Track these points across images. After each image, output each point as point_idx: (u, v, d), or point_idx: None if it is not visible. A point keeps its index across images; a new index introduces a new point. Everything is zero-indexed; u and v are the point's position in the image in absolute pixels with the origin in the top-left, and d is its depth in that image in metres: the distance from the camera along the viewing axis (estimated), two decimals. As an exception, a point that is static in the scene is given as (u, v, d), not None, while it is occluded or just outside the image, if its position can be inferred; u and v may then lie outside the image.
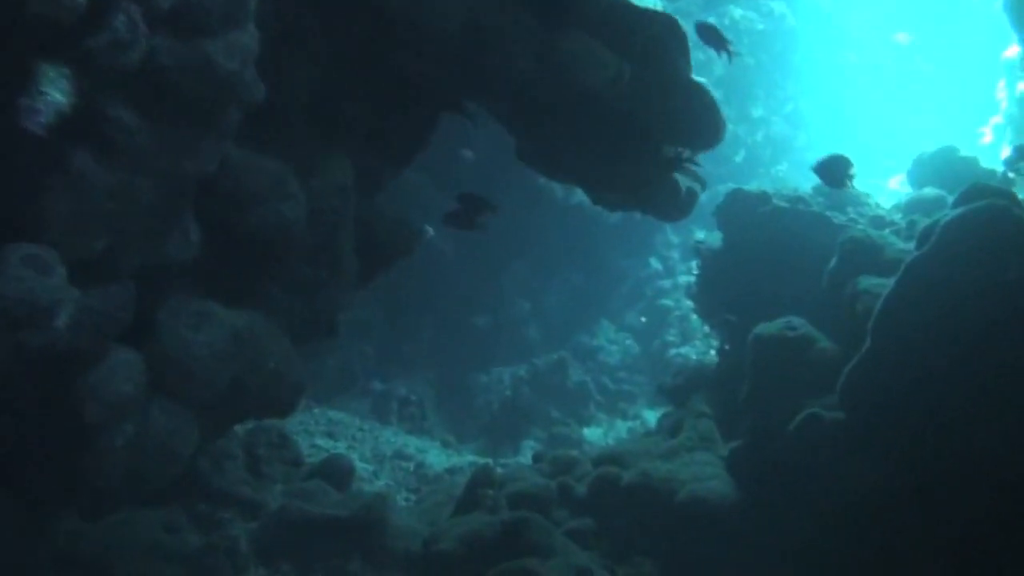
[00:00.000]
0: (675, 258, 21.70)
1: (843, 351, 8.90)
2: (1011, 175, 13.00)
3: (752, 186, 12.82)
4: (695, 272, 13.58)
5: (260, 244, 7.03)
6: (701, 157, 9.74)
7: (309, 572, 9.34)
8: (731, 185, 13.15)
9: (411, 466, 13.66)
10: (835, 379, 8.50)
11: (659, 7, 8.89)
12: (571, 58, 7.58)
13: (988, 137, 20.42)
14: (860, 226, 10.85)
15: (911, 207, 12.44)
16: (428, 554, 9.10)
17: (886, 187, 21.79)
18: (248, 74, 6.13)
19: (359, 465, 12.84)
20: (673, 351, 19.17)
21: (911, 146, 18.49)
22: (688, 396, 11.40)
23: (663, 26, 8.34)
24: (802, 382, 9.06)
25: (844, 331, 9.13)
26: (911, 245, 9.16)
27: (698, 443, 10.13)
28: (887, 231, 10.66)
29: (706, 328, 17.01)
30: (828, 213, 11.44)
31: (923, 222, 9.26)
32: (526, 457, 14.18)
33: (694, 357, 18.11)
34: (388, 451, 14.02)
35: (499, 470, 11.64)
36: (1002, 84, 19.68)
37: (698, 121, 8.54)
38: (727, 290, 12.08)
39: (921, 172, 14.62)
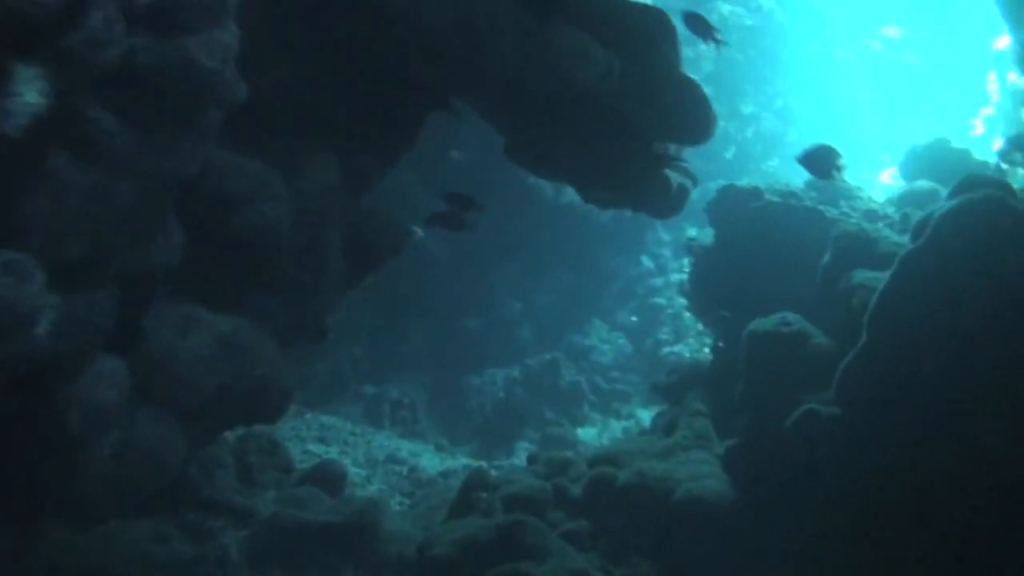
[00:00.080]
0: (667, 256, 21.65)
1: (839, 346, 8.82)
2: (1004, 166, 12.96)
3: (743, 182, 12.75)
4: (687, 269, 13.51)
5: (245, 247, 6.91)
6: (691, 153, 9.66)
7: (302, 580, 9.23)
8: (722, 182, 13.06)
9: (404, 470, 13.58)
10: (831, 375, 8.42)
11: (648, 1, 8.72)
12: (560, 53, 7.47)
13: (979, 129, 20.43)
14: (853, 220, 10.77)
15: (904, 200, 12.40)
16: (422, 559, 8.98)
17: (877, 181, 21.79)
18: (229, 73, 5.99)
19: (352, 470, 12.76)
20: (666, 349, 19.13)
21: (902, 140, 18.47)
22: (683, 394, 11.32)
23: (653, 20, 8.24)
24: (798, 378, 8.97)
25: (839, 326, 9.05)
26: (905, 238, 9.09)
27: (694, 441, 10.05)
28: (881, 224, 10.61)
29: (699, 326, 16.99)
30: (821, 207, 11.38)
31: (917, 215, 9.21)
32: (520, 459, 14.11)
33: (687, 355, 18.08)
34: (381, 455, 13.94)
35: (493, 472, 11.55)
36: (993, 76, 19.67)
37: (689, 116, 8.44)
38: (720, 287, 12.00)
39: (914, 165, 14.58)
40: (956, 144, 14.71)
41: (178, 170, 6.04)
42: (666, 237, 21.76)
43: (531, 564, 8.46)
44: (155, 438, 6.65)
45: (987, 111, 20.09)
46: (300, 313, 7.80)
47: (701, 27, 8.45)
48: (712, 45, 8.53)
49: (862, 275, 9.13)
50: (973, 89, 23.70)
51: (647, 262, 21.33)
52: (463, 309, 17.76)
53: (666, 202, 9.35)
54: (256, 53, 6.50)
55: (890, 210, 11.92)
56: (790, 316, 9.39)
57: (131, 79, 5.47)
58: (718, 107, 8.95)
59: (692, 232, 14.87)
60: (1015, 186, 8.84)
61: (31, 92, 5.01)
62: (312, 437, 13.95)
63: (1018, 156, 12.67)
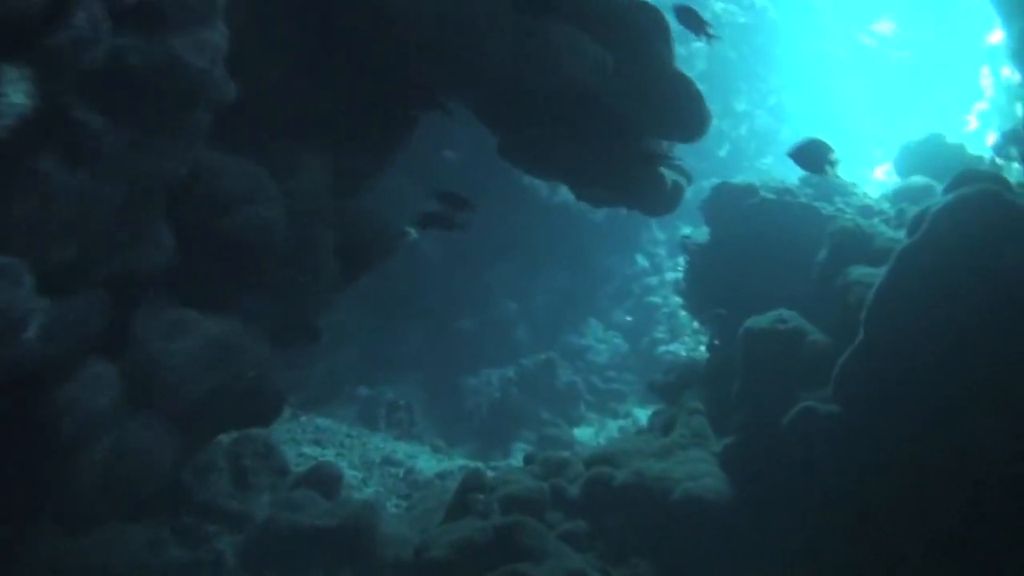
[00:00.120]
0: (662, 255, 21.66)
1: (836, 343, 8.79)
2: (999, 161, 12.92)
3: (738, 180, 12.70)
4: (683, 268, 13.46)
5: (236, 248, 6.82)
6: (684, 151, 9.60)
7: (298, 583, 9.17)
8: (716, 180, 13.01)
9: (401, 472, 13.53)
10: (828, 372, 8.40)
11: (640, -2, 8.65)
12: (552, 48, 7.40)
13: (973, 124, 20.41)
14: (848, 216, 10.73)
15: (899, 196, 12.37)
16: (419, 562, 8.93)
17: (871, 178, 21.77)
18: (218, 72, 5.92)
19: (348, 472, 12.71)
20: (662, 348, 19.14)
21: (896, 136, 18.46)
22: (679, 393, 11.29)
23: (646, 17, 8.19)
24: (795, 376, 8.95)
25: (836, 323, 9.04)
26: (901, 234, 9.07)
27: (691, 440, 10.01)
28: (876, 220, 10.57)
29: (695, 324, 16.96)
30: (816, 204, 11.33)
31: (913, 210, 9.17)
32: (517, 459, 14.05)
33: (684, 353, 18.08)
34: (377, 457, 13.89)
35: (490, 473, 11.50)
36: (986, 70, 19.66)
37: (683, 112, 8.39)
38: (715, 285, 11.97)
39: (908, 161, 14.57)
40: (950, 140, 14.68)
41: (167, 171, 5.96)
42: (661, 236, 21.77)
43: (529, 565, 8.41)
44: (147, 443, 6.55)
45: (981, 106, 20.08)
46: (293, 314, 7.72)
47: (693, 21, 8.39)
48: (704, 40, 8.46)
49: (858, 271, 9.10)
50: (966, 84, 23.72)
51: (642, 261, 21.33)
52: (458, 310, 17.72)
53: (660, 200, 9.29)
54: (246, 52, 6.42)
55: (885, 206, 11.88)
56: (786, 313, 9.36)
57: (118, 79, 5.38)
58: (711, 105, 8.89)
59: (687, 230, 14.81)
60: (1010, 181, 8.80)
61: (16, 93, 4.93)
62: (307, 440, 13.90)
63: (1013, 150, 12.64)
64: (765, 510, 8.72)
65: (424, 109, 8.73)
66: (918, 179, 12.74)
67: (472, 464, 13.89)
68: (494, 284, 18.25)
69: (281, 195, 7.07)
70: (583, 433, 16.61)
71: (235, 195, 6.71)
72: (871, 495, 7.95)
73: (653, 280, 21.01)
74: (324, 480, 10.69)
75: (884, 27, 36.09)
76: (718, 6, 24.03)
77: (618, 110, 8.22)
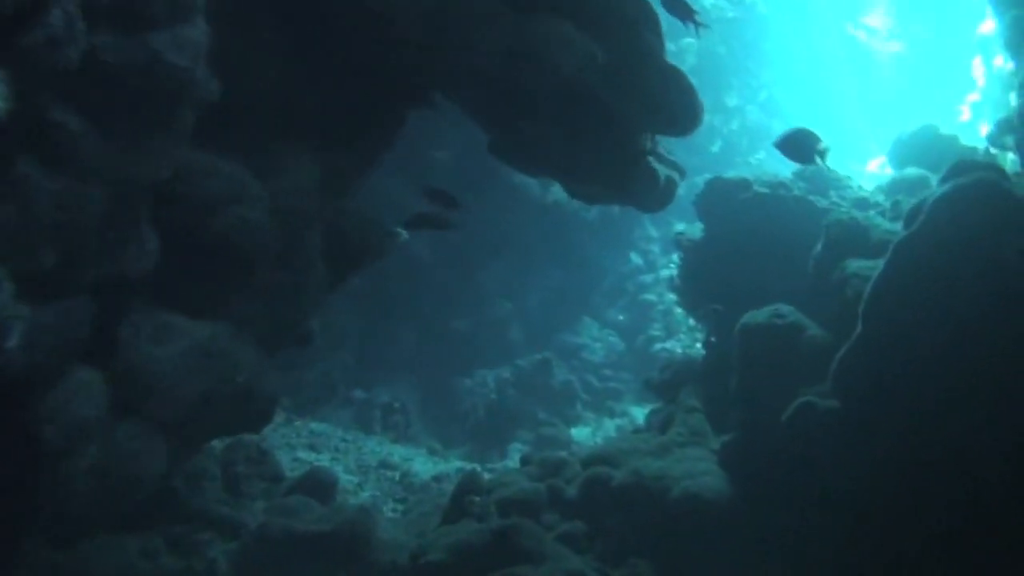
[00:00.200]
0: (656, 252, 21.62)
1: (833, 337, 8.70)
2: (993, 151, 12.86)
3: (731, 174, 12.61)
4: (677, 264, 13.38)
5: (222, 251, 6.70)
6: (676, 148, 9.51)
7: (293, 591, 9.05)
8: (708, 176, 12.92)
9: (397, 475, 13.44)
10: (826, 367, 8.30)
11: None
12: (541, 41, 7.28)
13: (966, 115, 20.38)
14: (844, 209, 10.64)
15: (894, 188, 12.29)
16: (416, 567, 8.84)
17: (865, 171, 21.73)
18: (200, 71, 5.79)
19: (343, 477, 12.61)
20: (658, 346, 19.08)
21: (889, 129, 18.41)
22: (676, 391, 11.21)
23: (635, 8, 8.07)
24: (793, 371, 8.85)
25: (833, 317, 8.94)
26: (897, 226, 8.99)
27: (689, 438, 9.93)
28: (872, 213, 10.48)
29: (691, 321, 16.89)
30: (811, 197, 11.25)
31: (908, 202, 9.10)
32: (514, 460, 13.97)
33: (679, 351, 18.01)
34: (373, 461, 13.80)
35: (487, 475, 11.41)
36: (978, 61, 19.62)
37: (675, 105, 8.28)
38: (710, 281, 11.88)
39: (902, 153, 14.50)
40: (944, 131, 14.61)
41: (150, 173, 5.84)
42: (654, 233, 21.72)
43: (527, 568, 8.32)
44: (135, 451, 6.46)
45: (973, 97, 20.05)
46: (282, 317, 7.60)
47: (680, 9, 8.25)
48: (691, 27, 8.32)
49: (855, 264, 9.02)
50: (958, 76, 23.69)
51: (636, 258, 21.29)
52: (452, 310, 17.67)
53: (654, 196, 9.20)
54: (228, 50, 6.30)
55: (880, 198, 11.81)
56: (783, 308, 9.27)
57: (96, 79, 5.26)
58: (702, 101, 8.79)
59: (680, 227, 14.72)
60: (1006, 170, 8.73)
61: (-9, 96, 4.81)
62: (302, 445, 13.80)
63: (1008, 140, 12.57)
64: (764, 508, 8.63)
65: (413, 106, 8.62)
66: (913, 171, 12.67)
67: (468, 466, 13.81)
68: (488, 284, 18.19)
69: (267, 195, 6.96)
70: (580, 433, 16.55)
71: (220, 196, 6.59)
72: (871, 491, 7.87)
73: (647, 277, 20.97)
74: (319, 485, 10.59)
75: (875, 20, 36.09)
76: (707, 1, 23.95)
77: (609, 104, 8.11)
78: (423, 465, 14.12)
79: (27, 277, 5.39)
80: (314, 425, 14.65)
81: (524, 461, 11.32)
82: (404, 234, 9.11)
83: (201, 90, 5.91)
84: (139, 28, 5.38)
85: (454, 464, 14.47)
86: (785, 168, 12.50)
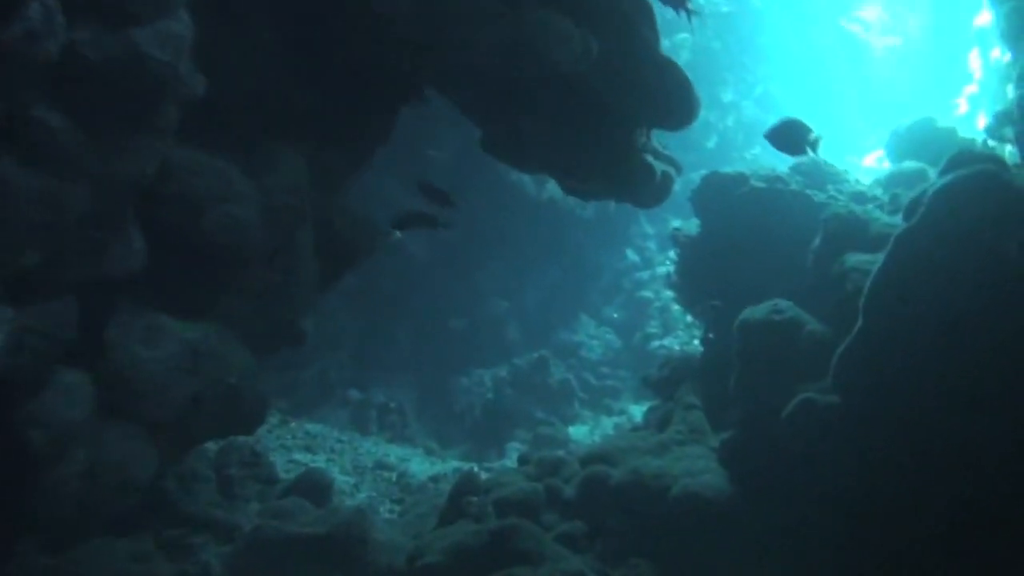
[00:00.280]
0: (652, 249, 21.56)
1: (833, 332, 8.58)
2: (992, 143, 12.76)
3: (727, 170, 12.50)
4: (674, 261, 13.30)
5: (211, 249, 6.59)
6: (672, 143, 9.41)
7: (287, 594, 8.94)
8: (704, 172, 12.82)
9: (393, 476, 13.35)
10: (826, 362, 8.18)
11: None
12: (534, 34, 7.16)
13: (963, 108, 20.29)
14: (842, 202, 10.53)
15: (892, 181, 12.18)
16: (413, 569, 8.73)
17: (862, 165, 21.65)
18: (183, 66, 5.67)
19: (339, 478, 12.53)
20: (656, 343, 19.00)
21: (886, 122, 18.32)
22: (675, 388, 11.11)
23: (631, 2, 7.95)
24: (792, 367, 8.73)
25: (833, 311, 8.83)
26: (897, 219, 8.87)
27: (688, 436, 9.83)
28: (870, 206, 10.37)
29: (688, 318, 16.81)
30: (808, 191, 11.14)
31: (907, 195, 8.97)
32: (512, 460, 13.87)
33: (677, 348, 17.92)
34: (369, 462, 13.72)
35: (484, 475, 11.32)
36: (975, 53, 19.53)
37: (672, 99, 8.17)
38: (708, 277, 11.79)
39: (899, 146, 14.40)
40: (941, 123, 14.51)
41: (134, 171, 5.73)
42: (650, 230, 21.67)
43: (526, 569, 8.22)
44: (124, 454, 6.38)
45: (971, 89, 19.96)
46: (274, 317, 7.49)
47: None
48: (684, 15, 8.18)
49: (855, 258, 8.90)
50: (955, 69, 23.61)
51: (632, 255, 21.23)
52: (448, 309, 17.62)
53: (650, 191, 9.10)
54: (218, 45, 6.20)
55: (878, 192, 11.70)
56: (782, 303, 9.15)
57: (77, 75, 5.14)
58: (699, 94, 8.69)
59: (677, 223, 14.64)
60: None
61: (-32, 92, 4.69)
62: (298, 446, 13.70)
63: (1007, 131, 12.47)
64: (765, 505, 8.53)
65: (405, 102, 8.50)
66: (911, 164, 12.56)
67: (466, 466, 13.73)
68: (484, 283, 18.14)
69: (257, 193, 6.84)
70: (578, 431, 16.47)
71: (208, 194, 6.48)
72: (872, 488, 7.77)
73: (644, 274, 20.91)
74: (314, 487, 10.51)
75: (870, 13, 36.00)
76: (700, -5, 23.89)
77: (605, 98, 8.00)
78: (420, 465, 14.04)
79: (9, 278, 5.29)
80: (310, 426, 14.58)
81: (522, 460, 11.23)
82: (398, 233, 9.00)
83: (185, 86, 5.79)
84: (120, 22, 5.27)
85: (451, 464, 14.39)
86: (782, 164, 12.41)
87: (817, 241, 9.76)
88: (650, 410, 11.71)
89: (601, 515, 9.24)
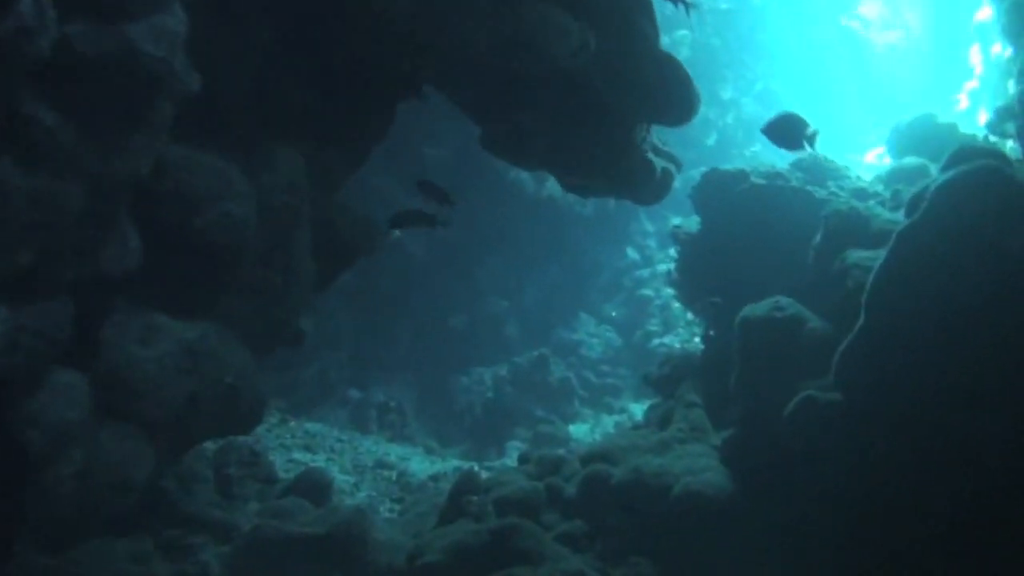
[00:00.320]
0: (652, 246, 21.52)
1: (835, 330, 8.54)
2: (993, 139, 12.70)
3: (727, 167, 12.45)
4: (674, 259, 13.25)
5: (208, 248, 6.52)
6: (672, 141, 9.36)
7: (287, 594, 8.89)
8: (704, 169, 12.77)
9: (393, 475, 13.31)
10: (828, 360, 8.13)
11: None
12: (531, 28, 7.10)
13: (964, 103, 20.23)
14: (843, 199, 10.48)
15: (893, 178, 12.12)
16: (413, 568, 8.68)
17: (862, 161, 21.59)
18: (178, 62, 5.60)
19: (339, 477, 12.50)
20: (656, 341, 18.95)
21: (887, 119, 18.27)
22: (675, 386, 11.06)
23: (629, -5, 7.90)
24: (794, 364, 8.68)
25: (834, 308, 8.78)
26: (898, 215, 8.83)
27: (689, 434, 9.77)
28: (872, 203, 10.32)
29: (688, 315, 16.75)
30: (808, 187, 11.09)
31: (908, 191, 8.93)
32: (512, 458, 13.82)
33: (678, 346, 17.87)
34: (369, 461, 13.68)
35: (484, 474, 11.27)
36: (975, 49, 19.46)
37: (672, 94, 8.12)
38: (708, 274, 11.75)
39: (900, 142, 14.34)
40: (942, 119, 14.45)
41: (129, 169, 5.66)
42: (650, 228, 21.63)
43: (526, 569, 8.17)
44: (121, 454, 6.31)
45: (971, 85, 19.90)
46: (272, 316, 7.43)
47: None
48: (682, 8, 8.12)
49: (856, 255, 8.85)
50: (955, 64, 23.56)
51: (632, 253, 21.18)
52: (448, 308, 17.59)
53: (650, 187, 9.06)
54: (212, 41, 6.13)
55: (879, 188, 11.64)
56: (783, 300, 9.10)
57: (70, 71, 5.08)
58: (698, 88, 8.63)
59: (677, 220, 14.60)
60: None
61: (-40, 90, 4.64)
62: (297, 445, 13.67)
63: (1009, 127, 12.42)
64: (767, 504, 8.48)
65: (403, 99, 8.44)
66: (911, 160, 12.50)
67: (466, 465, 13.69)
68: (483, 281, 18.11)
69: (254, 191, 6.78)
70: (578, 430, 16.43)
71: (203, 192, 6.41)
72: (874, 486, 7.71)
73: (644, 272, 20.86)
74: (313, 486, 10.47)
75: (870, 10, 35.95)
76: (700, -8, 23.81)
77: (604, 94, 7.94)
78: (420, 464, 14.00)
79: (4, 277, 5.23)
80: (309, 425, 14.55)
81: (522, 459, 11.19)
82: (396, 232, 8.96)
83: (180, 82, 5.72)
84: (113, 17, 5.20)
85: (451, 463, 14.35)
86: (782, 161, 12.36)
87: (818, 238, 9.71)
88: (651, 408, 11.66)
89: (602, 514, 9.20)
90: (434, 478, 13.22)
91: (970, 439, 7.27)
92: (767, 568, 8.22)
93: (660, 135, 9.54)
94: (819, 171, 11.82)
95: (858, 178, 12.26)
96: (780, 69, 27.20)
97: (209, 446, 9.76)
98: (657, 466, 9.10)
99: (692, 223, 12.43)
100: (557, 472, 9.93)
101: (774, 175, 11.38)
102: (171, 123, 5.95)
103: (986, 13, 18.11)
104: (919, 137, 13.97)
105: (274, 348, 7.81)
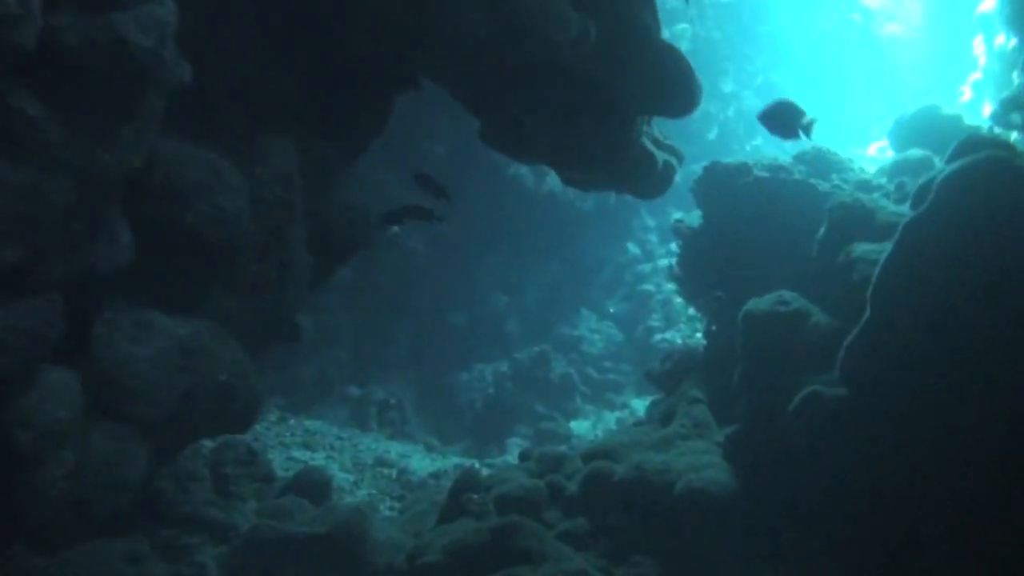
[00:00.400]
0: (653, 241, 21.43)
1: (840, 324, 8.42)
2: (998, 130, 12.59)
3: (730, 160, 12.34)
4: (676, 253, 13.15)
5: (200, 243, 6.39)
6: (673, 134, 9.24)
7: (285, 595, 8.79)
8: (706, 163, 12.67)
9: (393, 473, 13.22)
10: (833, 354, 8.04)
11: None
12: (531, 15, 6.96)
13: (967, 95, 20.09)
14: (847, 191, 10.36)
15: (897, 170, 12.04)
16: (413, 568, 8.59)
17: (865, 154, 21.48)
18: (168, 52, 5.47)
19: (339, 475, 12.41)
20: (658, 336, 18.86)
21: (890, 111, 18.14)
22: (678, 382, 10.97)
23: (629, -14, 7.77)
24: (798, 359, 8.58)
25: (839, 302, 8.68)
26: (903, 208, 8.73)
27: (692, 430, 9.67)
28: (876, 195, 10.21)
29: (690, 310, 16.66)
30: (812, 180, 10.97)
31: (913, 183, 8.82)
32: (514, 456, 13.75)
33: (679, 341, 17.79)
34: (369, 459, 13.59)
35: (485, 471, 11.17)
36: (979, 40, 19.32)
37: (674, 86, 8.00)
38: (710, 269, 11.66)
39: (903, 134, 14.26)
40: (946, 111, 14.35)
41: (119, 162, 5.53)
42: (651, 223, 21.55)
43: (527, 569, 8.08)
44: (113, 454, 6.21)
45: (975, 76, 19.75)
46: (267, 313, 7.31)
47: None
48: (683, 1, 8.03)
49: (862, 248, 8.74)
50: (959, 56, 23.43)
51: (633, 248, 21.10)
52: (448, 305, 17.51)
53: (651, 181, 8.93)
54: (203, 32, 6.01)
55: (883, 180, 11.54)
56: (787, 294, 8.99)
57: (56, 62, 4.95)
58: (700, 79, 8.51)
59: (678, 215, 14.49)
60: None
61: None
62: (297, 443, 13.58)
63: (1015, 117, 12.31)
64: (771, 501, 8.38)
65: (400, 91, 8.31)
66: (915, 152, 12.41)
67: (467, 462, 13.61)
68: (484, 277, 18.06)
69: (247, 185, 6.64)
70: (580, 426, 16.36)
71: (195, 186, 6.28)
72: (880, 482, 7.61)
73: (645, 267, 20.78)
74: (312, 485, 10.38)
75: (873, 1, 35.79)
76: (702, -15, 23.74)
77: (605, 86, 7.81)
78: (420, 462, 13.91)
79: (-10, 274, 5.12)
80: (309, 423, 14.49)
81: (523, 456, 11.10)
82: (395, 228, 8.86)
83: (170, 73, 5.59)
84: (100, 7, 5.07)
85: (452, 460, 14.27)
86: (784, 154, 12.25)
87: (822, 231, 9.60)
88: (653, 404, 11.58)
89: (604, 512, 9.10)
90: (435, 476, 13.14)
91: (980, 434, 7.16)
92: (771, 565, 8.13)
93: (660, 128, 9.43)
94: (822, 164, 11.72)
95: (862, 170, 12.16)
96: (782, 62, 27.07)
97: (206, 444, 9.65)
98: (660, 463, 9.00)
99: (694, 217, 12.33)
100: (558, 469, 9.84)
101: (777, 168, 11.27)
102: (161, 115, 5.83)
103: (988, 4, 17.98)
104: (922, 129, 13.90)
105: (270, 345, 7.70)
